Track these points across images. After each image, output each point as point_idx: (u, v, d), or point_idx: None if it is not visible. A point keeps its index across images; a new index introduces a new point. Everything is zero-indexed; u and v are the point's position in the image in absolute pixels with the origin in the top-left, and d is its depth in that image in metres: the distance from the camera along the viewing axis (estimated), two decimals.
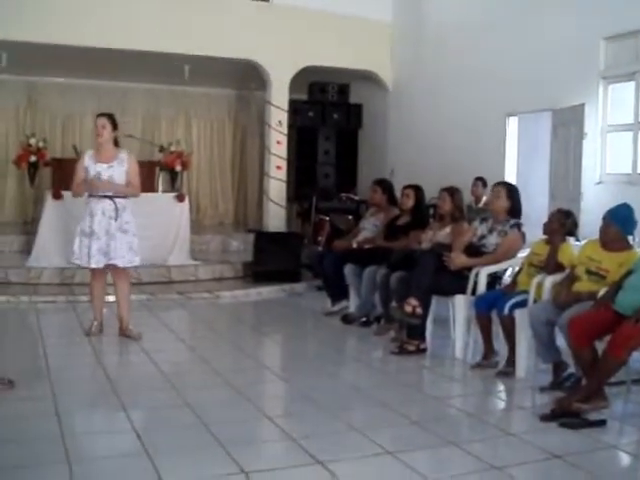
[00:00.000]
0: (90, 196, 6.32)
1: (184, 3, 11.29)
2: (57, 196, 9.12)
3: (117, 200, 6.32)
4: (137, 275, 8.85)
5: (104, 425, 4.43)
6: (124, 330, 6.52)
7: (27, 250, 9.61)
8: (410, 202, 7.31)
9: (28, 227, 11.02)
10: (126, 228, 6.38)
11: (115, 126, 6.41)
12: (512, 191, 6.15)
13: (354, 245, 7.73)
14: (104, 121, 6.38)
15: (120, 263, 6.39)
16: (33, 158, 11.37)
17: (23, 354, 6.08)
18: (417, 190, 7.37)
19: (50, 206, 9.19)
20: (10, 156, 12.54)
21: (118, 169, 6.34)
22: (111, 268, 6.46)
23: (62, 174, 9.96)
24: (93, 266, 6.36)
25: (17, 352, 6.12)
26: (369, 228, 7.84)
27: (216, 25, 11.33)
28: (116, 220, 6.30)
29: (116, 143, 6.48)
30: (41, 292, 8.42)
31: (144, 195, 9.12)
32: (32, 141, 11.47)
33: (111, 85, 13.72)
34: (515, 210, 6.08)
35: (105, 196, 6.29)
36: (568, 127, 8.82)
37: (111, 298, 7.09)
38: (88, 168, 6.30)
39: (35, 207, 11.34)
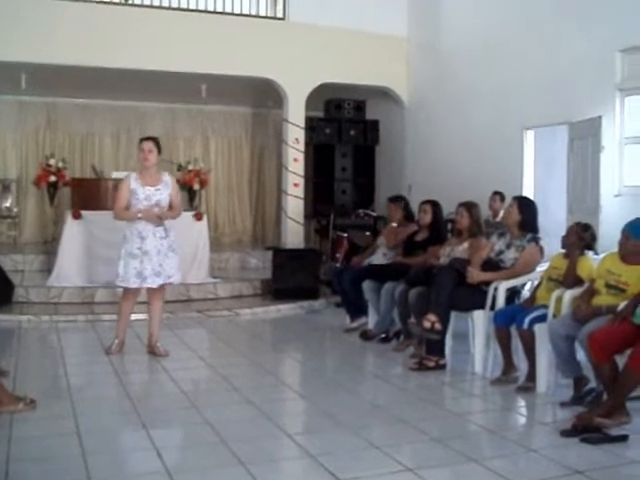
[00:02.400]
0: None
1: (200, 22, 11.40)
2: (77, 216, 9.19)
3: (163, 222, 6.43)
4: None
5: (125, 444, 4.46)
6: (152, 347, 6.56)
7: (47, 269, 9.69)
8: (428, 218, 7.30)
9: (48, 246, 11.12)
10: (174, 247, 6.52)
11: (160, 150, 6.48)
12: (524, 205, 6.15)
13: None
14: (151, 145, 6.40)
15: (175, 281, 6.57)
16: (53, 178, 11.52)
17: (44, 373, 6.12)
18: (434, 205, 7.36)
19: (70, 226, 9.27)
20: (30, 176, 12.70)
21: (165, 192, 6.43)
22: (151, 287, 6.51)
23: (81, 194, 10.08)
24: (148, 286, 6.43)
25: (38, 371, 6.16)
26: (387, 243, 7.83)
27: (232, 43, 11.42)
28: (166, 239, 6.41)
29: None
30: (62, 311, 8.47)
31: None
32: (52, 161, 11.62)
33: (129, 105, 13.89)
34: (527, 224, 6.05)
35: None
36: (585, 140, 8.81)
37: (134, 317, 7.13)
38: (136, 191, 6.31)
39: (55, 227, 11.45)
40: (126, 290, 6.50)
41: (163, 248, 6.39)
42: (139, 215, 6.28)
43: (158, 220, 6.33)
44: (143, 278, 6.34)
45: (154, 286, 6.42)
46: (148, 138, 6.52)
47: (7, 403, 4.73)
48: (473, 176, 10.53)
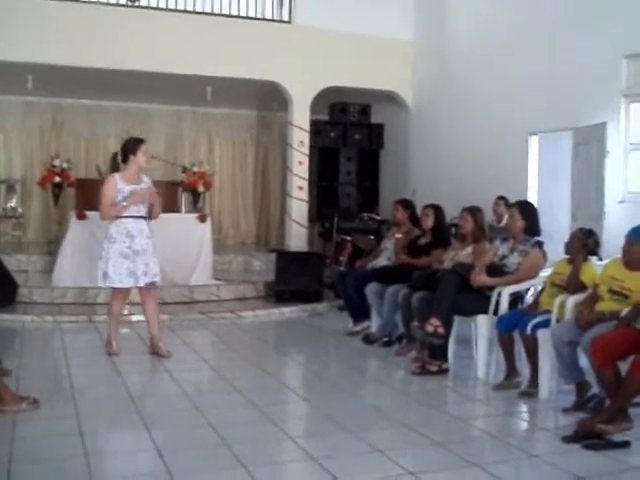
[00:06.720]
0: (122, 217, 6.36)
1: (206, 25, 11.42)
2: (81, 216, 9.20)
3: (147, 221, 6.49)
4: (160, 295, 8.90)
5: (127, 445, 4.45)
6: (155, 347, 6.58)
7: (51, 270, 9.68)
8: (430, 221, 7.31)
9: (52, 247, 11.12)
10: (154, 247, 6.54)
11: None
12: (526, 210, 6.15)
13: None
14: None
15: (159, 281, 6.58)
16: (57, 179, 11.51)
17: (47, 373, 6.13)
18: (436, 209, 7.37)
19: (74, 226, 9.28)
20: (35, 176, 12.71)
21: (146, 191, 6.52)
22: (144, 288, 6.54)
23: (86, 195, 10.07)
24: (140, 285, 6.48)
25: (41, 371, 6.17)
26: (391, 248, 7.84)
27: (238, 46, 11.44)
28: (151, 239, 6.48)
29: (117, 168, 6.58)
30: (65, 312, 8.49)
31: (167, 216, 9.31)
32: (56, 162, 11.62)
33: (135, 107, 13.91)
34: (532, 227, 6.06)
35: (140, 217, 6.42)
36: (590, 146, 8.80)
37: (136, 317, 7.14)
38: (122, 189, 6.35)
39: (59, 227, 11.45)
40: (117, 290, 6.53)
41: (149, 247, 6.46)
42: (124, 204, 6.32)
43: (145, 193, 6.40)
44: (136, 277, 6.40)
45: (142, 285, 6.47)
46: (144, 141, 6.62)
47: (10, 402, 4.75)
48: (477, 181, 10.53)
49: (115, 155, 6.63)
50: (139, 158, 6.44)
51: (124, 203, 6.32)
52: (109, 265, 6.36)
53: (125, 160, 6.49)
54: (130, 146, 6.48)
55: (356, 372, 6.47)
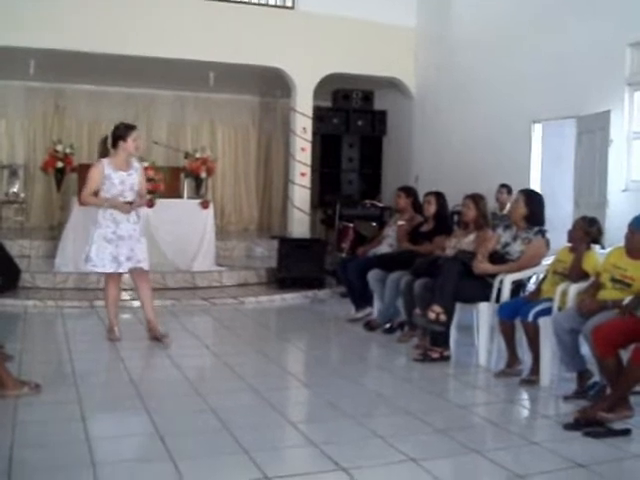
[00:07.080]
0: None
1: (209, 10, 11.38)
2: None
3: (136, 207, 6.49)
4: (162, 280, 8.93)
5: (128, 429, 4.46)
6: (152, 330, 6.57)
7: (53, 255, 9.70)
8: (432, 208, 7.30)
9: (54, 232, 11.12)
10: (143, 233, 6.57)
11: None
12: (531, 198, 6.12)
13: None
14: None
15: (145, 266, 6.52)
16: (60, 164, 11.49)
17: (49, 358, 6.13)
18: (438, 196, 7.36)
19: (77, 212, 9.28)
20: (37, 162, 12.71)
21: (135, 177, 6.48)
22: (135, 272, 6.54)
23: None
24: (122, 271, 6.47)
25: (43, 356, 6.17)
26: (393, 235, 7.83)
27: (241, 32, 11.42)
28: (138, 224, 6.46)
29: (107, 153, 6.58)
30: (67, 297, 8.50)
31: (169, 201, 9.36)
32: (59, 147, 11.60)
33: (137, 92, 13.91)
34: (534, 217, 6.03)
35: (127, 203, 6.39)
36: (593, 134, 8.79)
37: (136, 303, 7.13)
38: (110, 176, 6.33)
39: (61, 212, 11.46)
40: (108, 276, 6.55)
41: (135, 233, 6.44)
42: (105, 204, 6.31)
43: (126, 207, 6.35)
44: (118, 263, 6.38)
45: (124, 270, 6.47)
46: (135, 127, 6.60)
47: (12, 387, 4.75)
48: (480, 168, 10.52)
49: (105, 139, 6.57)
50: (129, 144, 6.39)
51: (105, 204, 6.32)
52: (92, 249, 6.35)
53: (115, 145, 6.44)
54: (120, 131, 6.42)
55: (357, 359, 6.48)
